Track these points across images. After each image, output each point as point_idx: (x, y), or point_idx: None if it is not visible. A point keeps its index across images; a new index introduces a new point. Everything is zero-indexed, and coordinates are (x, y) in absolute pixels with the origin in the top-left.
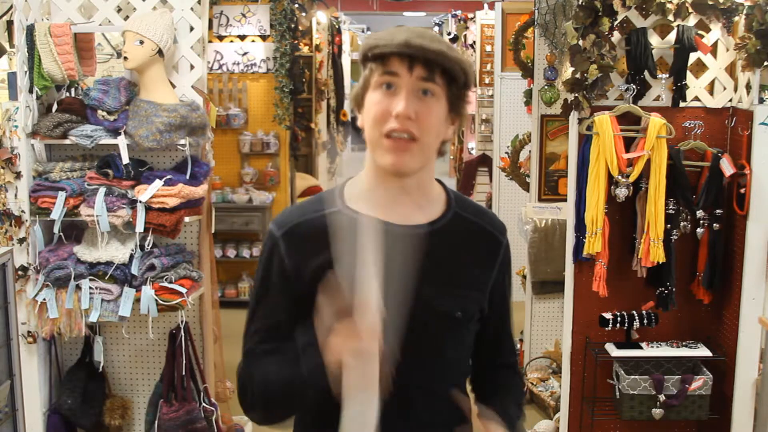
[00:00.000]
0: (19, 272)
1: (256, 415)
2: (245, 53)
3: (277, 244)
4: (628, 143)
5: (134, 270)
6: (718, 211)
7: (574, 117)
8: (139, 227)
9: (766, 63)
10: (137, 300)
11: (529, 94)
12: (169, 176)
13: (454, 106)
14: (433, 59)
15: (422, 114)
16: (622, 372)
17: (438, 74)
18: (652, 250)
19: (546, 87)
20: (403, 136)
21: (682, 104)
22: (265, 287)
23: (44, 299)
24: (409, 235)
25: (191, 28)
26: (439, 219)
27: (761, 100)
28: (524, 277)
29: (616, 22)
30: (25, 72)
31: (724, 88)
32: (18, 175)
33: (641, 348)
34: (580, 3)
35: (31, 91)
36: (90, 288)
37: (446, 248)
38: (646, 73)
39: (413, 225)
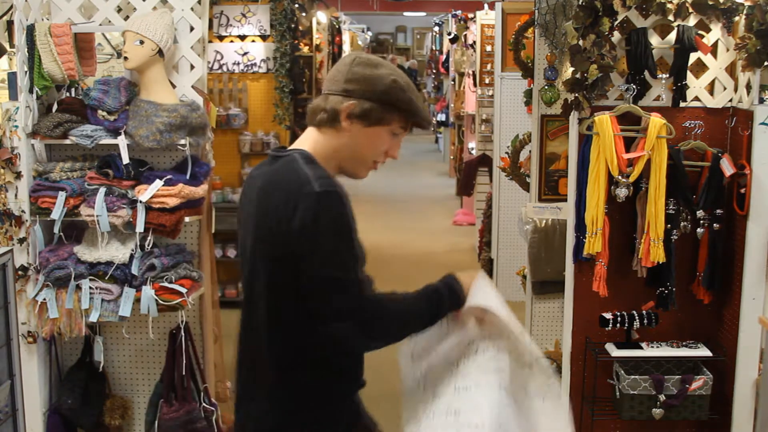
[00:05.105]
0: (20, 272)
1: (381, 342)
2: (245, 53)
3: (344, 197)
4: (628, 143)
5: (134, 270)
6: (718, 211)
7: (574, 117)
8: (140, 227)
9: (766, 63)
10: (137, 300)
11: (529, 94)
12: (169, 176)
13: None
14: None
15: None
16: (622, 372)
17: None
18: (652, 250)
19: (546, 87)
20: None
21: (682, 104)
22: (353, 238)
23: (44, 299)
24: None
25: (191, 28)
26: None
27: (761, 100)
28: (524, 277)
29: (616, 22)
30: (25, 72)
31: (725, 88)
32: (18, 175)
33: (641, 348)
34: (580, 3)
35: (31, 91)
36: (90, 288)
37: None
38: (646, 73)
39: None
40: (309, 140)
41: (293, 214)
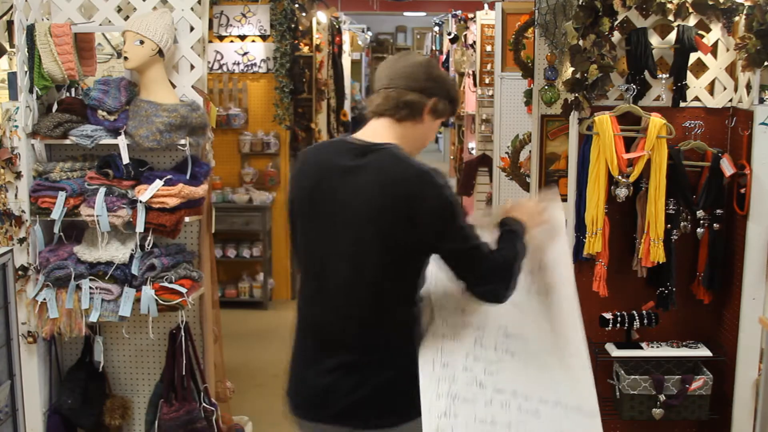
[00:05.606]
0: (20, 272)
1: (514, 290)
2: (245, 53)
3: None
4: (629, 143)
5: (134, 270)
6: (718, 211)
7: (574, 117)
8: (140, 227)
9: (766, 63)
10: (137, 300)
11: (529, 94)
12: (169, 176)
13: None
14: None
15: None
16: (623, 372)
17: None
18: (652, 250)
19: (546, 87)
20: None
21: (682, 104)
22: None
23: (44, 299)
24: None
25: (191, 28)
26: None
27: (761, 100)
28: None
29: (616, 22)
30: (26, 72)
31: (725, 88)
32: (18, 175)
33: (641, 348)
34: (580, 3)
35: (31, 91)
36: (90, 288)
37: None
38: (646, 73)
39: None
40: (391, 131)
41: (420, 203)
